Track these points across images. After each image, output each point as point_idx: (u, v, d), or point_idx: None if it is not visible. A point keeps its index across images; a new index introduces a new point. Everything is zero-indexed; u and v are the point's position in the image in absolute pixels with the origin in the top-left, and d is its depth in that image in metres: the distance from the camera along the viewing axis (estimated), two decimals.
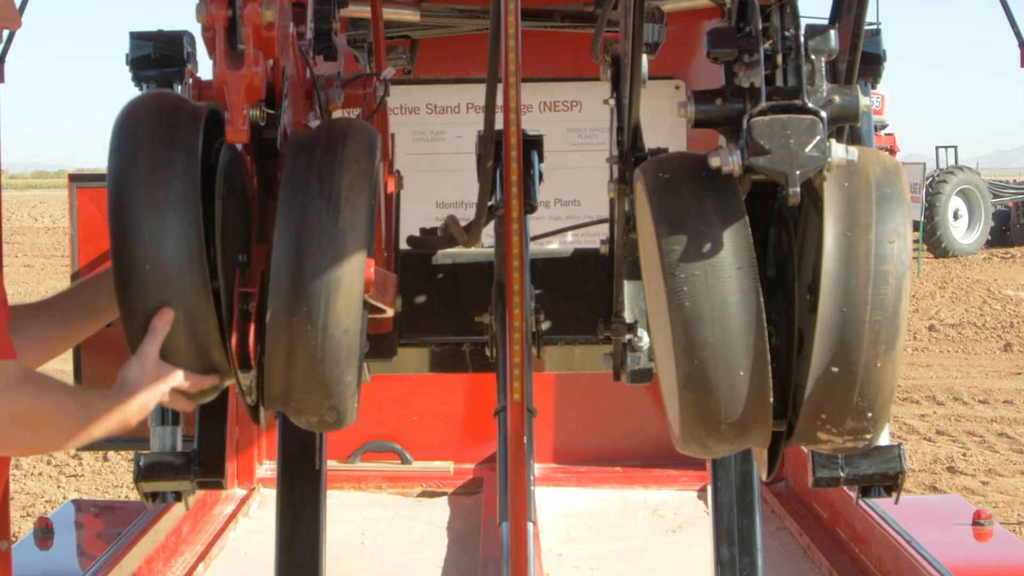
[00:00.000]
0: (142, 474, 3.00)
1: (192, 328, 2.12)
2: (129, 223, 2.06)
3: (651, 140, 2.57)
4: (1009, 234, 23.82)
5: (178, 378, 2.20)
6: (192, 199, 2.08)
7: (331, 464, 4.18)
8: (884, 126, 21.03)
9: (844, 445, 2.08)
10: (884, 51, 3.44)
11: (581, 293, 3.34)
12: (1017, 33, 3.27)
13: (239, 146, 2.30)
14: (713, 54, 2.18)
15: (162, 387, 2.19)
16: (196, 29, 2.24)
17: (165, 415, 3.04)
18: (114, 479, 8.40)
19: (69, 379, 4.02)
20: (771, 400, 2.00)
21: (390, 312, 2.58)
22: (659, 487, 5.52)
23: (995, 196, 23.72)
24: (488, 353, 3.19)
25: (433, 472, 5.66)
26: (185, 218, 2.07)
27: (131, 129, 2.13)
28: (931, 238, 21.38)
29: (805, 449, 2.33)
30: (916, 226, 19.17)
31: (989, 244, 22.98)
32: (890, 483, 2.83)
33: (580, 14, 4.85)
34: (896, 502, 2.90)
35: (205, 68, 2.80)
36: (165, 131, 2.11)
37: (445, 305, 3.41)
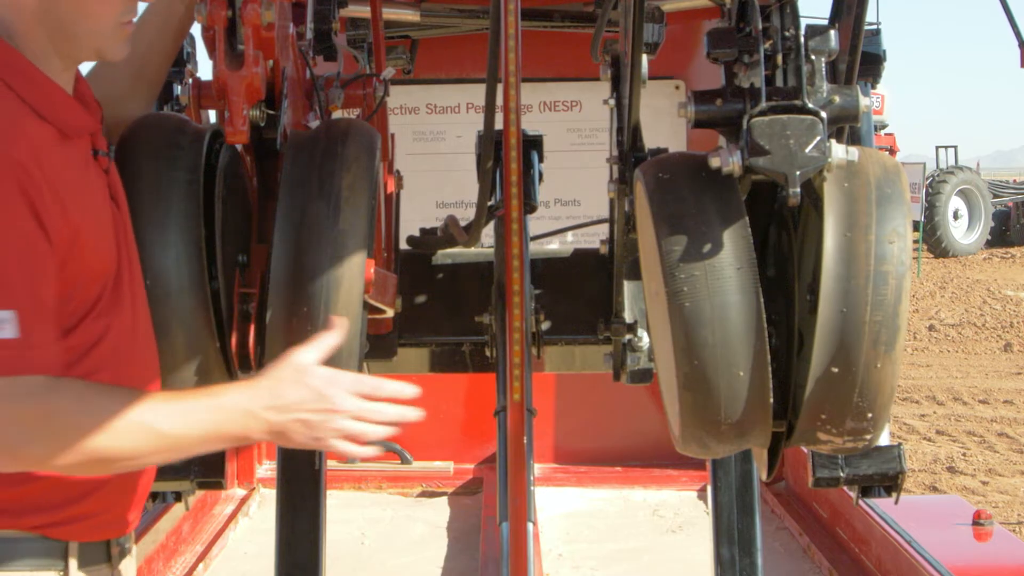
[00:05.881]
0: None
1: (190, 347, 2.12)
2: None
3: (651, 140, 2.57)
4: (1009, 234, 23.81)
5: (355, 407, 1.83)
6: (195, 218, 2.10)
7: (331, 464, 4.18)
8: (884, 126, 21.02)
9: (844, 445, 2.08)
10: (884, 51, 3.43)
11: (581, 293, 3.34)
12: (1017, 33, 3.27)
13: (239, 146, 2.31)
14: (713, 54, 2.18)
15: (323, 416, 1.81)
16: (196, 29, 2.24)
17: None
18: None
19: None
20: (771, 400, 2.00)
21: (390, 312, 2.59)
22: (659, 487, 5.52)
23: (995, 196, 23.71)
24: (488, 353, 3.19)
25: (433, 472, 5.66)
26: (187, 235, 2.08)
27: (134, 148, 2.14)
28: (931, 238, 21.37)
29: (805, 449, 2.34)
30: (916, 226, 19.16)
31: (989, 244, 22.97)
32: (890, 483, 2.83)
33: (580, 14, 4.84)
34: (896, 502, 2.91)
35: (205, 68, 2.80)
36: (168, 151, 2.13)
37: (445, 305, 3.41)
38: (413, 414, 1.89)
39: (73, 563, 1.83)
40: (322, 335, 1.93)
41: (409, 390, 1.90)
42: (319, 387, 1.83)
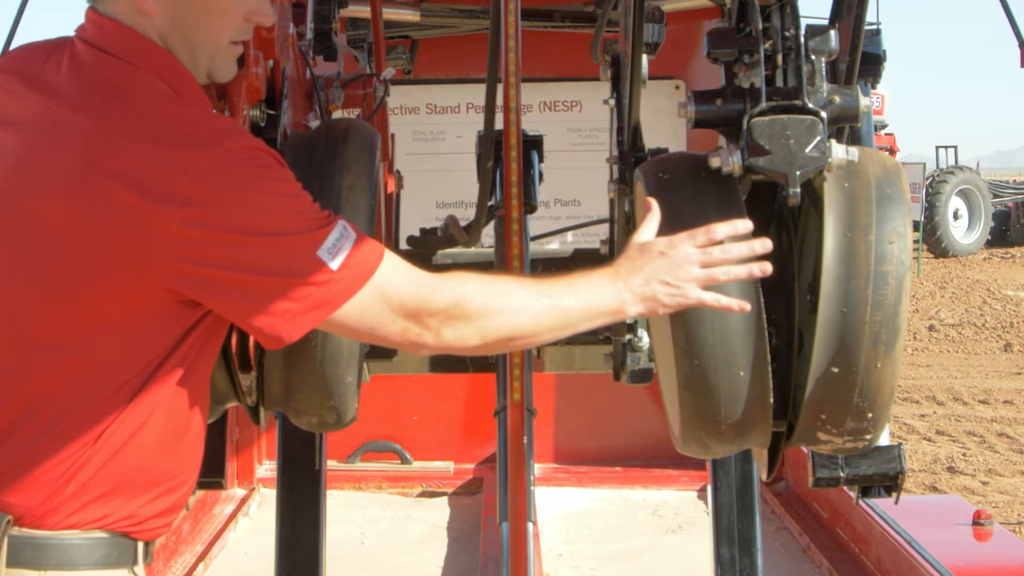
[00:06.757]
0: None
1: None
2: None
3: (651, 140, 2.57)
4: (1009, 234, 23.79)
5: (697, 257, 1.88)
6: None
7: (331, 464, 4.18)
8: (884, 126, 21.02)
9: (844, 445, 2.08)
10: (884, 51, 3.43)
11: None
12: (1017, 33, 3.27)
13: None
14: (713, 54, 2.18)
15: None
16: None
17: None
18: None
19: None
20: (771, 400, 2.00)
21: None
22: (659, 487, 5.51)
23: (995, 196, 23.69)
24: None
25: (433, 472, 5.65)
26: None
27: None
28: (931, 238, 21.35)
29: (805, 449, 2.34)
30: (916, 226, 19.14)
31: (989, 244, 22.95)
32: (890, 483, 2.83)
33: (580, 14, 4.85)
34: (896, 502, 2.90)
35: None
36: None
37: None
38: (760, 246, 1.91)
39: (139, 561, 1.85)
40: (648, 215, 1.99)
41: (742, 225, 1.93)
42: (663, 249, 1.91)
